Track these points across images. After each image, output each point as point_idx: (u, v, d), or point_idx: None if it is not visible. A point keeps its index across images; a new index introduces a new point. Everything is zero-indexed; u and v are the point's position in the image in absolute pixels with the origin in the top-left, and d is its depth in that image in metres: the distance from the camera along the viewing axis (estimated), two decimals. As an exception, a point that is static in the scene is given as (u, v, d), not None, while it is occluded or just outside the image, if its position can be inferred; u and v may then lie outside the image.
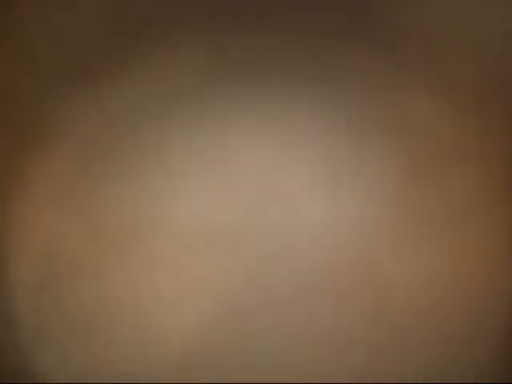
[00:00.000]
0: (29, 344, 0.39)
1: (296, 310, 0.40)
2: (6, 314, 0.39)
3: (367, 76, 0.41)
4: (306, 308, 0.40)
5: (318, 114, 0.41)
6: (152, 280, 0.40)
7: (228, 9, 0.40)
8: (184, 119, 0.41)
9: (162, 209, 0.40)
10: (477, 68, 0.40)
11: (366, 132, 0.41)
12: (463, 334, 0.39)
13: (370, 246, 0.40)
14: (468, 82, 0.40)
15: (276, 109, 0.41)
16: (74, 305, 0.39)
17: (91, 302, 0.39)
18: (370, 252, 0.40)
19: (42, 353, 0.39)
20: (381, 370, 0.39)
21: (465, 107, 0.41)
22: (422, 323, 0.39)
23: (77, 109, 0.41)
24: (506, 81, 0.39)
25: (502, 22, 0.38)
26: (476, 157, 0.41)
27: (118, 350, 0.39)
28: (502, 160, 0.40)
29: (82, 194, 0.40)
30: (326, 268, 0.40)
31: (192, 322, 0.39)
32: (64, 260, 0.40)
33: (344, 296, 0.40)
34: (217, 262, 0.40)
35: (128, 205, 0.40)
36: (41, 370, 0.39)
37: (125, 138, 0.41)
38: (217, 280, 0.40)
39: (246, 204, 0.40)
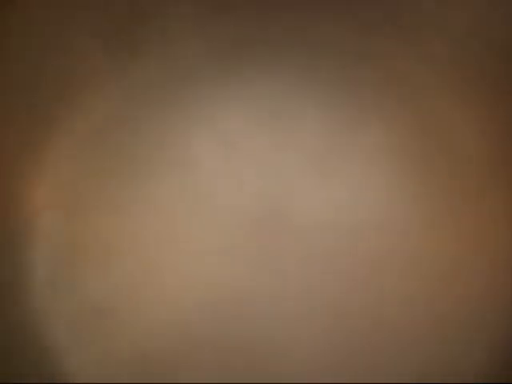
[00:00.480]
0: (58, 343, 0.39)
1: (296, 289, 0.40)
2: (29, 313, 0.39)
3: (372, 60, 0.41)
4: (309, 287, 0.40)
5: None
6: (162, 258, 0.40)
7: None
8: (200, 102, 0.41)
9: (173, 185, 0.40)
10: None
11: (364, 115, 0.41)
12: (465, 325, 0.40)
13: (367, 233, 0.40)
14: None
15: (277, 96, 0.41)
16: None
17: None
18: (369, 238, 0.40)
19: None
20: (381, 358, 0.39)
21: (465, 88, 0.41)
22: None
23: (95, 87, 0.41)
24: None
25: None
26: (475, 142, 0.41)
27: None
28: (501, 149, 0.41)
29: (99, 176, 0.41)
30: (327, 252, 0.40)
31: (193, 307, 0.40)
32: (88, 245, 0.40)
33: (344, 284, 0.40)
34: (219, 242, 0.40)
35: (143, 181, 0.41)
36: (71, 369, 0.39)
37: (142, 117, 0.41)
38: (219, 261, 0.40)
39: (248, 188, 0.41)
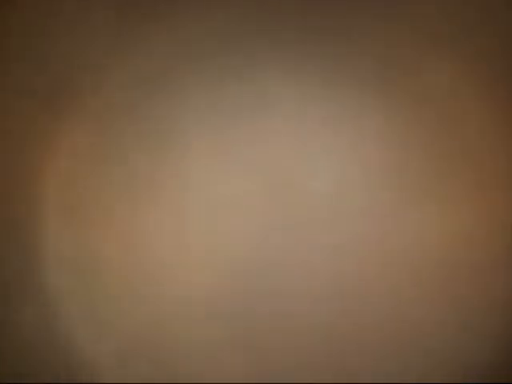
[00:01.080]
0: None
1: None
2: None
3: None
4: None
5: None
6: (172, 238, 0.40)
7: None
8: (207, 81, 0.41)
9: (186, 171, 0.41)
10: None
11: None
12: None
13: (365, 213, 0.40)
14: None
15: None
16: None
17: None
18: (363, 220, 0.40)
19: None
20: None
21: (454, 68, 0.40)
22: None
23: (104, 74, 0.41)
24: None
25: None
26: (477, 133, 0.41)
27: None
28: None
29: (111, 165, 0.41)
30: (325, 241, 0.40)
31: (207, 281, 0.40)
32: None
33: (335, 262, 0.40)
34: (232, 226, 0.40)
35: (154, 168, 0.41)
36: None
37: (154, 104, 0.41)
38: (231, 241, 0.40)
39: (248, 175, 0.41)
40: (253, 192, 0.40)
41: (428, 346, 0.39)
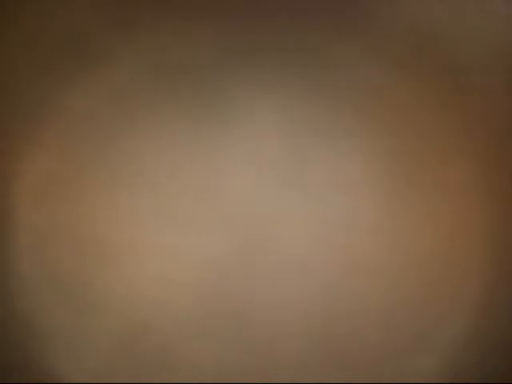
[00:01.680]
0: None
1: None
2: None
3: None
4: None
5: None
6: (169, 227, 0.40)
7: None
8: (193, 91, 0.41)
9: (180, 162, 0.41)
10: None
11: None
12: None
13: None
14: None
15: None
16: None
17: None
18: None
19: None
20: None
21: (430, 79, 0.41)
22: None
23: (101, 68, 0.41)
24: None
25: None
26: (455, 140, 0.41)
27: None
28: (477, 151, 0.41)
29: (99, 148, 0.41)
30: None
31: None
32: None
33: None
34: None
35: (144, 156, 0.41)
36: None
37: (140, 96, 0.41)
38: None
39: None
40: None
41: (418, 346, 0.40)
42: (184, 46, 0.42)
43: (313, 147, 0.41)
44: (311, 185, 0.41)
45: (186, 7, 0.41)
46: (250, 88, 0.41)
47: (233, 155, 0.41)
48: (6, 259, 0.39)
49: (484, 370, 0.38)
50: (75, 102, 0.41)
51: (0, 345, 0.38)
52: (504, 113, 0.40)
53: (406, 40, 0.41)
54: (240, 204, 0.41)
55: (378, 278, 0.40)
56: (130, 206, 0.40)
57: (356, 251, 0.40)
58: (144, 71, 0.41)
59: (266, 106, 0.41)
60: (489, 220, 0.40)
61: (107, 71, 0.41)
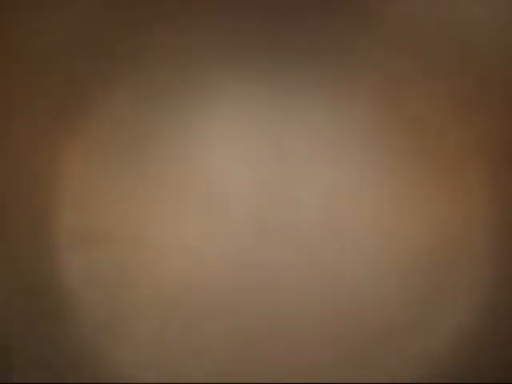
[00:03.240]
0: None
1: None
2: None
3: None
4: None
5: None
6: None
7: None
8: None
9: (195, 169, 0.42)
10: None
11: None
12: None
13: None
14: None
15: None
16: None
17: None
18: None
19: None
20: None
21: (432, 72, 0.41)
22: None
23: (117, 82, 0.42)
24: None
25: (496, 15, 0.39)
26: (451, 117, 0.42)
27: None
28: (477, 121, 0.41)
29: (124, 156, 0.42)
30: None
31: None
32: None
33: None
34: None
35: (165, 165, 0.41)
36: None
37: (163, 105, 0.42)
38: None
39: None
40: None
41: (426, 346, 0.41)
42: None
43: (311, 147, 0.42)
44: (311, 185, 0.42)
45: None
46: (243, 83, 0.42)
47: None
48: (50, 257, 0.41)
49: (484, 368, 0.39)
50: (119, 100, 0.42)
51: (45, 343, 0.39)
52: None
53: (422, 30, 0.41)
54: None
55: (386, 273, 0.41)
56: (165, 207, 0.41)
57: (360, 242, 0.41)
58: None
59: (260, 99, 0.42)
60: (493, 213, 0.41)
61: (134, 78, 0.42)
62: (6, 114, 0.39)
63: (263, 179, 0.42)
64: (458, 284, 0.41)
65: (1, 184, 0.40)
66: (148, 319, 0.41)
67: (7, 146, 0.40)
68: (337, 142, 0.41)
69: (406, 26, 0.41)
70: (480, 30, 0.40)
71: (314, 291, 0.41)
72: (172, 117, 0.42)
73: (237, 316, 0.41)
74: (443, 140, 0.41)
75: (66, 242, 0.41)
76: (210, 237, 0.41)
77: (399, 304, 0.40)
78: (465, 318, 0.40)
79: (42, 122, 0.40)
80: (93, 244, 0.41)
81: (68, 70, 0.40)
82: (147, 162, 0.42)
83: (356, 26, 0.41)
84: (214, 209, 0.41)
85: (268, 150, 0.42)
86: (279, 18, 0.42)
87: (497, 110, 0.40)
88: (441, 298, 0.41)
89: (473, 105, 0.41)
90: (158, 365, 0.40)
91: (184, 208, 0.41)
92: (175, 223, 0.41)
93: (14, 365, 0.38)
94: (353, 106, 0.41)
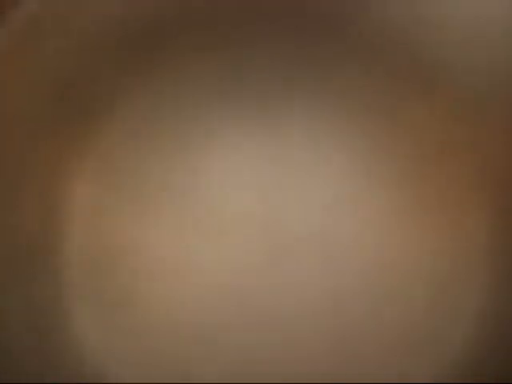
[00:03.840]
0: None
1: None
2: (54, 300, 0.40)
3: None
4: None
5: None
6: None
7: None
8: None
9: (204, 189, 0.42)
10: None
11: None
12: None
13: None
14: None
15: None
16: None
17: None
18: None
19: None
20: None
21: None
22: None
23: (124, 96, 0.42)
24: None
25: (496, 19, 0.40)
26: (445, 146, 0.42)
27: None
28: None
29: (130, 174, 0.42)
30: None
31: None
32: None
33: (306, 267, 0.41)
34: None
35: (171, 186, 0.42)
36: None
37: (170, 125, 0.42)
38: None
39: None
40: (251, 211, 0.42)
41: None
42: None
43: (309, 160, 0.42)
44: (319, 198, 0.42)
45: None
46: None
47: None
48: (57, 278, 0.41)
49: (485, 371, 0.39)
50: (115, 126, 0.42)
51: (45, 355, 0.40)
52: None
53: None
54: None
55: (386, 279, 0.41)
56: (175, 226, 0.42)
57: (367, 250, 0.41)
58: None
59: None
60: (491, 226, 0.41)
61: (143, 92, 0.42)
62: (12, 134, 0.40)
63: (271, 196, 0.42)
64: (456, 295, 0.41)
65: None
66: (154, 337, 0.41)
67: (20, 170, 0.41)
68: (342, 155, 0.42)
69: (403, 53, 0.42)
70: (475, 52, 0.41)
71: (326, 307, 0.41)
72: (186, 139, 0.42)
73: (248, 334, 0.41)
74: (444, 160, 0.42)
75: (77, 265, 0.41)
76: (223, 258, 0.41)
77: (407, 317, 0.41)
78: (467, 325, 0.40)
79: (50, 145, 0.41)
80: (103, 267, 0.41)
81: (76, 90, 0.41)
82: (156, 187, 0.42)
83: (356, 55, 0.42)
84: (229, 231, 0.41)
85: (270, 161, 0.42)
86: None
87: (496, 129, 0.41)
88: (445, 305, 0.41)
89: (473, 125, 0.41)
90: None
91: (197, 230, 0.42)
92: (188, 246, 0.41)
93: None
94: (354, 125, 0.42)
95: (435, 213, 0.41)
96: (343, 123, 0.42)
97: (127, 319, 0.41)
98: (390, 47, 0.41)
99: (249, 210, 0.42)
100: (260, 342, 0.40)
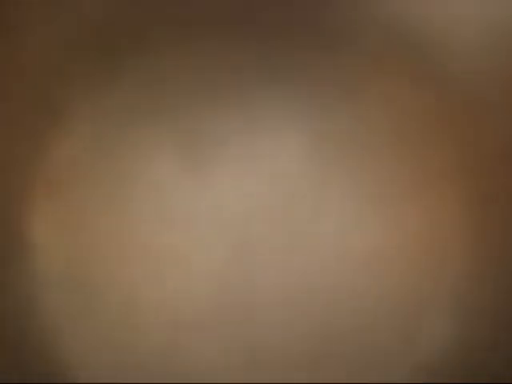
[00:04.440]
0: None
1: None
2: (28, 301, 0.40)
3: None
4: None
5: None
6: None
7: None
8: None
9: (188, 188, 0.41)
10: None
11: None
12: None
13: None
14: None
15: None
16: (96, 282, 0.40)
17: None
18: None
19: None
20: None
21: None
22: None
23: (94, 91, 0.41)
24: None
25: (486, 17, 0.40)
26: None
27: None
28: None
29: (102, 174, 0.41)
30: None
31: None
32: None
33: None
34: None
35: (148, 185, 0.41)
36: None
37: (140, 126, 0.42)
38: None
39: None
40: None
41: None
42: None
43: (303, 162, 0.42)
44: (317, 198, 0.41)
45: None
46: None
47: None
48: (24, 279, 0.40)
49: (469, 368, 0.39)
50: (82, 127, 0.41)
51: (15, 345, 0.39)
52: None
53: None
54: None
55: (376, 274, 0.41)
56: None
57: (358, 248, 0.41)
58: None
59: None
60: (470, 213, 0.41)
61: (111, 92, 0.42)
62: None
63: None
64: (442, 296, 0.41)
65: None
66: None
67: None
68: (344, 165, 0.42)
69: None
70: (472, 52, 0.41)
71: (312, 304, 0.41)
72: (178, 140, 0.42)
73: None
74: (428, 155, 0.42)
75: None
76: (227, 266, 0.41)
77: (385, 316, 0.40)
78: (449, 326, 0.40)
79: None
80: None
81: (46, 85, 0.41)
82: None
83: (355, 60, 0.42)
84: (227, 237, 0.41)
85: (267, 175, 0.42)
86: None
87: (485, 125, 0.41)
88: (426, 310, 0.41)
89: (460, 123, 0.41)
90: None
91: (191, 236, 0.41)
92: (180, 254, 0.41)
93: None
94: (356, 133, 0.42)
95: (412, 199, 0.41)
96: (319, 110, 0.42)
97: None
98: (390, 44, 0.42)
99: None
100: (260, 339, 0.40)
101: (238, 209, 0.41)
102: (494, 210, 0.40)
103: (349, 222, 0.41)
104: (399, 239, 0.41)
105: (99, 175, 0.41)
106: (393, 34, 0.41)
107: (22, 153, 0.40)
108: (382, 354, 0.40)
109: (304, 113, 0.41)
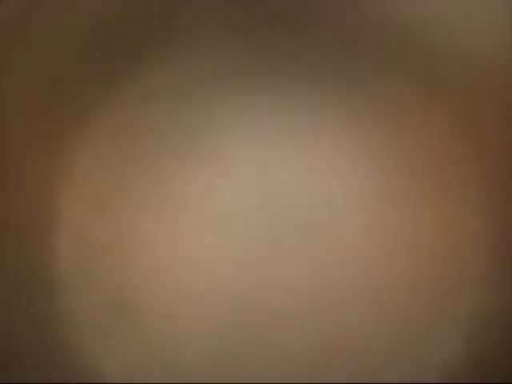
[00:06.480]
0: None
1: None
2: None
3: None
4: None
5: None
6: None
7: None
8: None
9: (201, 185, 0.41)
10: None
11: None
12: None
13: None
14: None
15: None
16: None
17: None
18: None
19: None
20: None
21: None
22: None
23: (116, 89, 0.42)
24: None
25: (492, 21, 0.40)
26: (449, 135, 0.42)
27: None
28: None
29: (121, 171, 0.41)
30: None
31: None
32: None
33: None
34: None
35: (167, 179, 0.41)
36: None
37: (162, 119, 0.42)
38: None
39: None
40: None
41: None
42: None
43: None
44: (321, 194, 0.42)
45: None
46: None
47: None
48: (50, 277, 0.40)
49: (483, 369, 0.39)
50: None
51: (39, 344, 0.39)
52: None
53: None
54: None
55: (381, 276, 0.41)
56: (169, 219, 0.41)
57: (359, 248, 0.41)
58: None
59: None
60: (489, 215, 0.41)
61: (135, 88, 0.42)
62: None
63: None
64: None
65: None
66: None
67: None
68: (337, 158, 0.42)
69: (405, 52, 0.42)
70: (481, 53, 0.41)
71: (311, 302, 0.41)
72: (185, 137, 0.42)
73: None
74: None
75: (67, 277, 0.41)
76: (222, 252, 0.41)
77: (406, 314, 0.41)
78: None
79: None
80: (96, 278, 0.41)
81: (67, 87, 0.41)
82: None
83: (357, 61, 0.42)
84: (231, 229, 0.41)
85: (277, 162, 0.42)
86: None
87: (497, 134, 0.41)
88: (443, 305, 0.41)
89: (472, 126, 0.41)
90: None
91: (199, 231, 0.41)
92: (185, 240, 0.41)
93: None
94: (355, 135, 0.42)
95: (435, 203, 0.41)
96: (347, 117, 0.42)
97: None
98: (389, 43, 0.41)
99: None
100: (260, 341, 0.40)
101: (262, 211, 0.41)
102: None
103: (367, 223, 0.41)
104: (416, 240, 0.41)
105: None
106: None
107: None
108: (404, 353, 0.40)
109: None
